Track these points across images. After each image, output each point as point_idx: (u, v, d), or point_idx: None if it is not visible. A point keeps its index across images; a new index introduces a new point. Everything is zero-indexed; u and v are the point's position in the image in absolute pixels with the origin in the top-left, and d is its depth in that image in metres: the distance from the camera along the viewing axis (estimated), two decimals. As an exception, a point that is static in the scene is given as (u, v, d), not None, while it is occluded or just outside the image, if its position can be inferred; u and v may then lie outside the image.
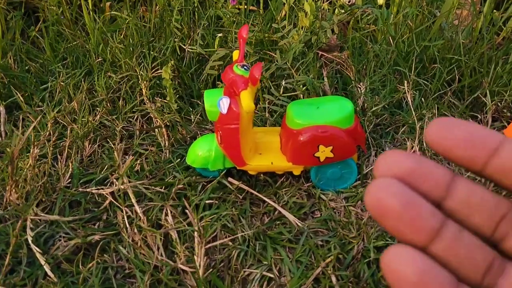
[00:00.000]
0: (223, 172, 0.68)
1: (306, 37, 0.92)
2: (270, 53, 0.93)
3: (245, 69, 0.60)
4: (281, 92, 0.88)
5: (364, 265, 0.58)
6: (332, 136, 0.60)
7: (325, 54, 0.97)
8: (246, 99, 0.55)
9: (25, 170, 0.67)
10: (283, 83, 0.88)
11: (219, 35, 0.89)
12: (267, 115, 0.85)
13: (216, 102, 0.60)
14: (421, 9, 1.02)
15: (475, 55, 0.97)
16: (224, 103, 0.59)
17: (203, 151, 0.66)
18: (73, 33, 1.09)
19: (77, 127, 0.81)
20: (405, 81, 0.85)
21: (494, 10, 1.06)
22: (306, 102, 0.69)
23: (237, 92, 0.58)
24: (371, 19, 1.04)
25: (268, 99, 0.87)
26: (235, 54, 0.64)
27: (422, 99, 0.87)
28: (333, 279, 0.56)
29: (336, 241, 0.60)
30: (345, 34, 1.07)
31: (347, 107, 0.63)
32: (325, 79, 0.89)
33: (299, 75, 0.89)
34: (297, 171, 0.68)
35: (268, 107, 0.86)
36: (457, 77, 0.93)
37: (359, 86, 0.86)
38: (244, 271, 0.59)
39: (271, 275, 0.59)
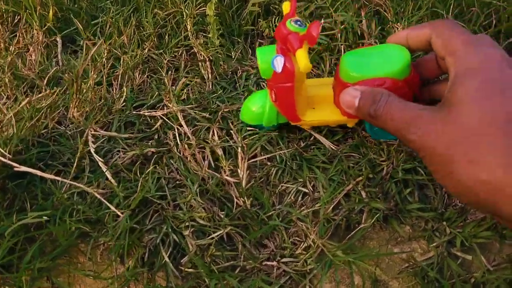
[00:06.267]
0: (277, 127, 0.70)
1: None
2: (310, -7, 0.95)
3: (298, 25, 0.56)
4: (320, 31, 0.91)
5: (392, 184, 0.63)
6: (389, 89, 0.54)
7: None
8: (304, 58, 0.52)
9: (84, 91, 0.74)
10: (322, 22, 0.91)
11: (261, -27, 0.92)
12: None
13: (268, 60, 0.59)
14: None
15: (515, 0, 0.97)
16: (279, 62, 0.58)
17: (257, 107, 0.67)
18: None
19: (128, 58, 0.87)
20: (442, 23, 0.87)
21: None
22: (359, 53, 0.62)
23: (292, 51, 0.55)
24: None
25: (307, 37, 0.90)
26: (285, 6, 0.60)
27: (458, 40, 0.89)
28: (363, 194, 0.62)
29: (366, 163, 0.66)
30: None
31: (404, 57, 0.57)
32: (363, 19, 0.91)
33: (338, 15, 0.92)
34: (351, 123, 0.68)
35: (306, 45, 0.90)
36: (494, 22, 0.94)
37: (396, 26, 0.88)
38: (281, 186, 0.66)
39: (306, 190, 0.65)
